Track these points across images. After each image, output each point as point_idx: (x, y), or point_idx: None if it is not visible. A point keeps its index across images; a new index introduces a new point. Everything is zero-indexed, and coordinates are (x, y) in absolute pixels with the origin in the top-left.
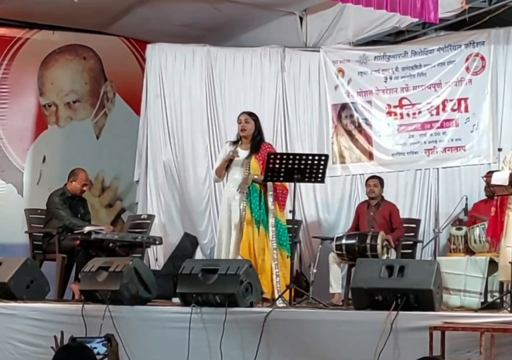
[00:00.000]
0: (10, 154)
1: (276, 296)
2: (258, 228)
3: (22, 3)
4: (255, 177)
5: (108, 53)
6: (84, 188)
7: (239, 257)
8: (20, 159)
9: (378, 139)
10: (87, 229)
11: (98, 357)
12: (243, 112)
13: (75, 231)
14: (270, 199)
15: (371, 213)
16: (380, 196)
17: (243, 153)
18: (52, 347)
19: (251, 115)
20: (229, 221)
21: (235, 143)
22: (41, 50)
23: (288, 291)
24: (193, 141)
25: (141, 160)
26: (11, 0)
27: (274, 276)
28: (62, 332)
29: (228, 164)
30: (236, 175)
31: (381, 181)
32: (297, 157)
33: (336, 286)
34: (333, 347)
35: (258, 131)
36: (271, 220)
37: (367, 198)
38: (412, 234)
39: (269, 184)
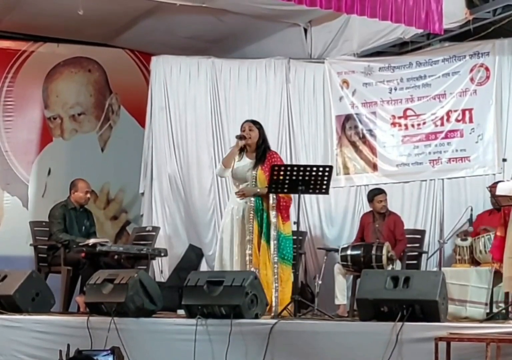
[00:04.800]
0: (15, 167)
1: (273, 311)
2: (260, 242)
3: (26, 16)
4: (258, 190)
5: (113, 66)
6: (88, 195)
7: (252, 269)
8: (25, 172)
9: (383, 150)
10: (92, 241)
11: None
12: (247, 120)
13: (80, 244)
14: (272, 212)
15: (377, 225)
16: (386, 209)
17: (248, 162)
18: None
19: (255, 123)
20: (231, 232)
21: (240, 151)
22: (46, 62)
23: (293, 303)
24: (198, 153)
25: (146, 172)
26: (16, 13)
27: (273, 291)
28: (68, 345)
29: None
30: (241, 186)
31: (385, 193)
32: (301, 168)
33: (341, 297)
34: (338, 358)
35: (263, 139)
36: (273, 233)
37: (371, 209)
38: (417, 245)
39: (272, 195)
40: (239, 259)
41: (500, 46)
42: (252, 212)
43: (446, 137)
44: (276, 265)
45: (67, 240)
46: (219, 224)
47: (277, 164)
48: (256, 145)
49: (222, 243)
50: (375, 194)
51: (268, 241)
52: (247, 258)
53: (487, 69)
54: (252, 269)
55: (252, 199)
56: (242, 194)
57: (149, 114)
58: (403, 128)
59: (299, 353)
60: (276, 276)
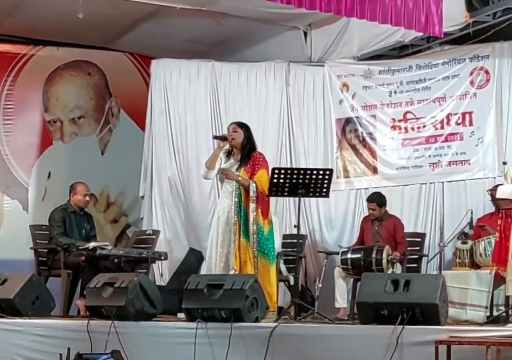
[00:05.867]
0: (15, 170)
1: None
2: (240, 241)
3: (26, 19)
4: (239, 178)
5: (113, 69)
6: (87, 198)
7: (232, 272)
8: (25, 175)
9: (383, 153)
10: (92, 245)
11: None
12: (232, 122)
13: (80, 247)
14: (252, 206)
15: (376, 228)
16: (381, 214)
17: (233, 163)
18: None
19: (240, 125)
20: (217, 234)
21: (229, 153)
22: (46, 66)
23: (293, 306)
24: (198, 156)
25: (146, 176)
26: (16, 17)
27: None
28: (68, 349)
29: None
30: (227, 187)
31: (379, 202)
32: (302, 171)
33: (341, 300)
34: None
35: (248, 140)
36: (253, 228)
37: None
38: (418, 248)
39: (252, 190)
40: (223, 262)
41: (500, 49)
42: (236, 214)
43: (446, 140)
44: (256, 260)
45: (67, 243)
46: None
47: (277, 167)
48: (241, 146)
49: (210, 245)
50: (367, 200)
51: (246, 237)
52: (231, 259)
53: (487, 72)
54: (232, 271)
55: (236, 200)
56: (225, 174)
57: (149, 117)
58: (403, 131)
59: (299, 357)
60: (256, 270)
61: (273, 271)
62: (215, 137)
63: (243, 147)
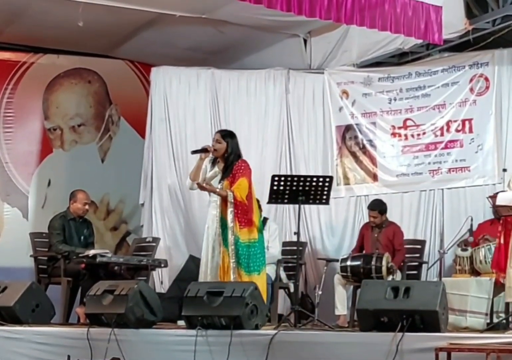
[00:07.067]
0: (15, 178)
1: None
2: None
3: (27, 27)
4: (217, 189)
5: (113, 77)
6: (86, 207)
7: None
8: (25, 183)
9: (383, 160)
10: (92, 252)
11: None
12: (217, 131)
13: (80, 255)
14: (229, 217)
15: (375, 235)
16: (382, 222)
17: (217, 173)
18: None
19: (224, 135)
20: (207, 245)
21: (214, 161)
22: (46, 74)
23: (293, 313)
24: None
25: (146, 183)
26: (16, 25)
27: None
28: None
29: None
30: (214, 197)
31: (381, 209)
32: (302, 179)
33: (341, 307)
34: None
35: (232, 150)
36: (230, 238)
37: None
38: (418, 255)
39: (229, 200)
40: (213, 274)
41: (500, 56)
42: (219, 225)
43: (446, 147)
44: (233, 270)
45: (67, 251)
46: None
47: (277, 174)
48: (223, 156)
49: (202, 255)
50: (368, 208)
51: (226, 247)
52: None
53: (486, 79)
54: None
55: (219, 210)
56: (203, 188)
57: (149, 125)
58: (403, 138)
59: None
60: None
61: (261, 281)
62: (193, 152)
63: (226, 157)
